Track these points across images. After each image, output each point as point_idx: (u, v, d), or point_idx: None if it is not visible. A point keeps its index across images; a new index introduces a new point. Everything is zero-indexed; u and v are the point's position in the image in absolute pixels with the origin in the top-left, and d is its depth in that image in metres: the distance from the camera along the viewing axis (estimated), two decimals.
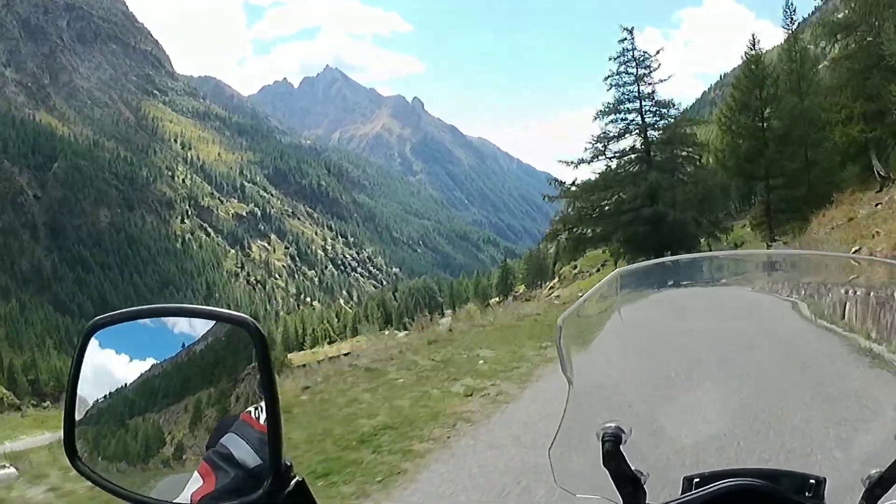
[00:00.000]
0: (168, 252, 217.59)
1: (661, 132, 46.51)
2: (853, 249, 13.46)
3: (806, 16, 41.78)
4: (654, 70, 45.91)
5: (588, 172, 47.69)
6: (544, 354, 10.64)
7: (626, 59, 45.86)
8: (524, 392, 8.24)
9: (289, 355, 57.11)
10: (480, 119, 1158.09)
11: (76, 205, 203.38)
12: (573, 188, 47.50)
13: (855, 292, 1.42)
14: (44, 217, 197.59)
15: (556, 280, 74.15)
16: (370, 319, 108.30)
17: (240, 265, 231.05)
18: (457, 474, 5.57)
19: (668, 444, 1.19)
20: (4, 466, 6.94)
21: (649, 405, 1.26)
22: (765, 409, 1.29)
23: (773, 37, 40.82)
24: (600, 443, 1.01)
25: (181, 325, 1.11)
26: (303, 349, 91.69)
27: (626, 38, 45.47)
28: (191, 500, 0.97)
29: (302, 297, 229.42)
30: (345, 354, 14.28)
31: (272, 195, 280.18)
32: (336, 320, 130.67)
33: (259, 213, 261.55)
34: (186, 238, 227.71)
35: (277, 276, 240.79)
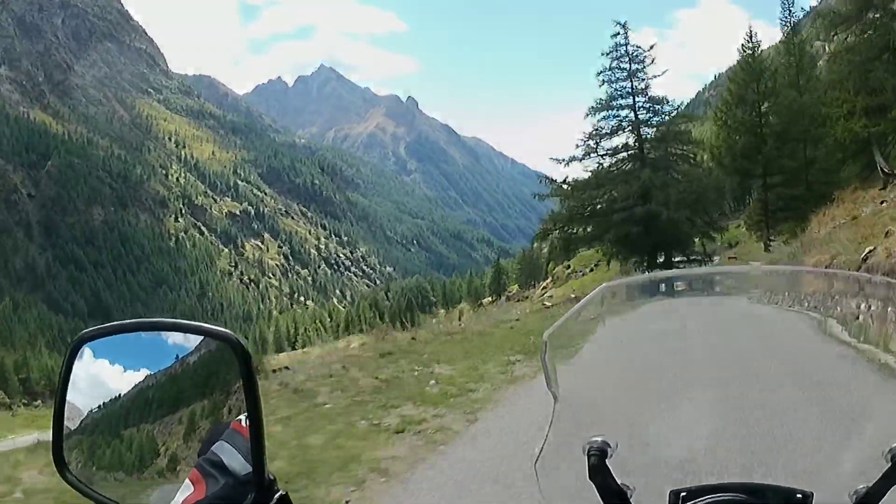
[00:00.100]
0: (161, 251, 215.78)
1: (654, 129, 45.27)
2: (867, 250, 12.11)
3: (801, 16, 40.23)
4: (648, 65, 44.55)
5: (580, 171, 46.39)
6: (510, 372, 9.27)
7: (618, 55, 44.56)
8: (472, 428, 6.83)
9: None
10: (475, 119, 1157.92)
11: (70, 203, 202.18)
12: (564, 186, 46.18)
13: (869, 307, 1.38)
14: (37, 215, 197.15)
15: (549, 280, 73.02)
16: (362, 319, 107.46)
17: (233, 264, 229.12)
18: None
19: (654, 457, 1.18)
20: None
21: (636, 419, 1.25)
22: (754, 422, 1.30)
23: (769, 37, 39.30)
24: (586, 457, 1.00)
25: (175, 336, 1.11)
26: (294, 349, 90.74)
27: (618, 33, 44.16)
28: None
29: (295, 296, 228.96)
30: (285, 368, 12.88)
31: (266, 194, 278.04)
32: (329, 319, 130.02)
33: (253, 212, 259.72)
34: (180, 237, 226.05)
35: (271, 274, 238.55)
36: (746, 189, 47.94)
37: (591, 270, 58.74)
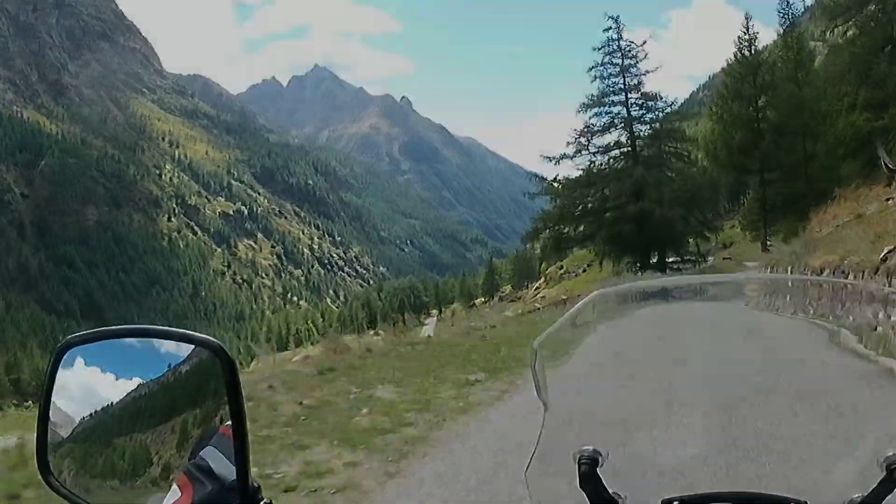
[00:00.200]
0: (154, 250, 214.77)
1: (647, 126, 44.12)
2: (886, 250, 10.94)
3: (798, 14, 39.02)
4: (640, 61, 43.23)
5: (573, 169, 45.31)
6: (465, 398, 7.80)
7: (610, 50, 43.27)
8: (388, 487, 5.21)
9: None
10: (469, 119, 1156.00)
11: (63, 203, 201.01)
12: (555, 184, 44.89)
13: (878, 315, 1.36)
14: (30, 215, 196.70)
15: (541, 280, 72.09)
16: (355, 319, 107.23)
17: (226, 264, 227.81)
18: None
19: (646, 466, 1.17)
20: None
21: (627, 427, 1.24)
22: (748, 430, 1.29)
23: (764, 38, 38.38)
24: (577, 465, 0.99)
25: (166, 343, 1.10)
26: (287, 349, 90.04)
27: (611, 28, 42.85)
28: None
29: (289, 296, 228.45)
30: None
31: (259, 194, 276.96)
32: (321, 320, 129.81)
33: (246, 212, 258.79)
34: (173, 236, 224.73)
35: (264, 274, 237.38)
36: (742, 187, 46.84)
37: (584, 271, 57.62)
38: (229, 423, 1.01)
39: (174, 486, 1.00)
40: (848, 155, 30.02)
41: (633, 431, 1.23)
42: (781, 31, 37.72)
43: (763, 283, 1.81)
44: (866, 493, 0.94)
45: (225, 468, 0.99)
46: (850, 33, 30.18)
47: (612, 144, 43.45)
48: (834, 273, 12.41)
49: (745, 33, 37.69)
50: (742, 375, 1.50)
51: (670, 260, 39.77)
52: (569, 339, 1.21)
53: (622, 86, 42.91)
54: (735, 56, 38.06)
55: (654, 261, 40.23)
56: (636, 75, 42.74)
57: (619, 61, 42.77)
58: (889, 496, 0.93)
